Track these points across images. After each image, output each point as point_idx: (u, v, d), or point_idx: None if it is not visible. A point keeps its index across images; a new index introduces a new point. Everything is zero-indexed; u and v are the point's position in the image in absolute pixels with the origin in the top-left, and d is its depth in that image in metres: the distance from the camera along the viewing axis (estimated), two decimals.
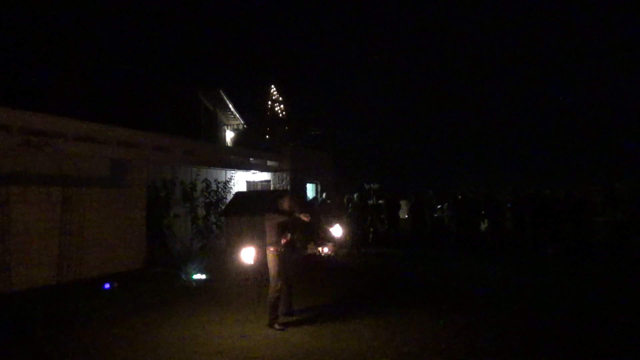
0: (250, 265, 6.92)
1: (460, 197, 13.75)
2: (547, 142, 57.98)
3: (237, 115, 21.99)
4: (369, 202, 15.95)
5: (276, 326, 5.84)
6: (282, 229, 6.04)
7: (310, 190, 21.21)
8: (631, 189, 12.51)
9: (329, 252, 12.57)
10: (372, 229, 15.52)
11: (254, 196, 13.68)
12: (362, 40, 79.53)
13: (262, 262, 6.46)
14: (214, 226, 12.88)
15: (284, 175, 18.22)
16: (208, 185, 13.18)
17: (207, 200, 12.97)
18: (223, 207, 12.88)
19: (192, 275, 8.99)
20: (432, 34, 79.08)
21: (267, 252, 6.08)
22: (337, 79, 76.19)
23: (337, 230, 8.47)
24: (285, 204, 6.21)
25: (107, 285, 8.44)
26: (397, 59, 78.86)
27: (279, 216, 6.03)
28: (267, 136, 23.71)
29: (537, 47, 74.03)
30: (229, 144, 21.57)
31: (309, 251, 12.13)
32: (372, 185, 18.86)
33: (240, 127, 22.95)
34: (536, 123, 68.09)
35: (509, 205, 13.64)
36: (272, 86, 27.16)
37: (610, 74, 63.92)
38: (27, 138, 8.77)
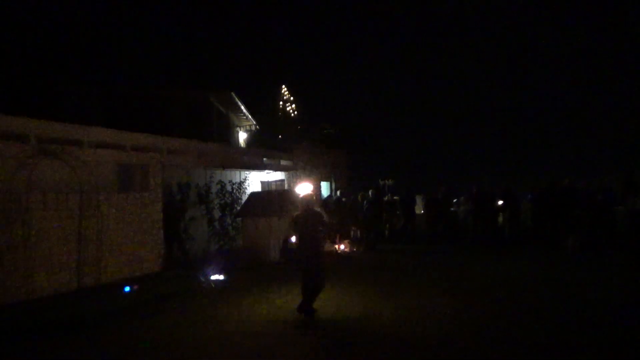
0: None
1: (475, 191, 13.59)
2: (565, 132, 57.15)
3: (249, 117, 22.07)
4: (384, 198, 15.88)
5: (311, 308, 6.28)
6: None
7: (325, 188, 21.20)
8: None
9: (345, 249, 12.57)
10: (387, 225, 15.46)
11: (268, 196, 13.73)
12: (374, 36, 79.22)
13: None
14: (230, 227, 12.95)
15: (298, 173, 18.24)
16: (222, 186, 13.25)
17: (222, 202, 13.04)
18: (238, 208, 12.95)
19: (210, 276, 9.05)
20: (445, 27, 78.47)
21: (324, 249, 6.85)
22: (349, 76, 75.97)
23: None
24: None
25: (127, 289, 8.52)
26: (411, 54, 78.42)
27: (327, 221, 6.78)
28: (279, 136, 23.77)
29: (554, 35, 73.01)
30: (242, 145, 21.65)
31: (325, 248, 12.12)
32: (387, 181, 18.77)
33: (253, 128, 23.02)
34: (553, 113, 67.15)
35: (529, 196, 13.43)
36: (283, 86, 27.27)
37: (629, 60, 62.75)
38: (44, 146, 8.90)
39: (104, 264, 9.75)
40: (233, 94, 19.09)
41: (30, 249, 8.53)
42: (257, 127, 23.08)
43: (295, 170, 18.29)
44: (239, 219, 12.58)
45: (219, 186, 13.22)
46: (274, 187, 17.76)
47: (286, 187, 17.91)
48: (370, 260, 11.13)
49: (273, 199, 12.46)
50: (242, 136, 22.80)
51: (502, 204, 13.12)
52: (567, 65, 68.66)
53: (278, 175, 17.94)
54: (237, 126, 22.42)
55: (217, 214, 12.94)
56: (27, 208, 8.57)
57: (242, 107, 20.87)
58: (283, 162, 17.87)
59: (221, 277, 9.12)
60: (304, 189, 7.57)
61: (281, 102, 26.77)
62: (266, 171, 17.04)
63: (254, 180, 16.36)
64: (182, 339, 5.67)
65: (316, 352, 5.02)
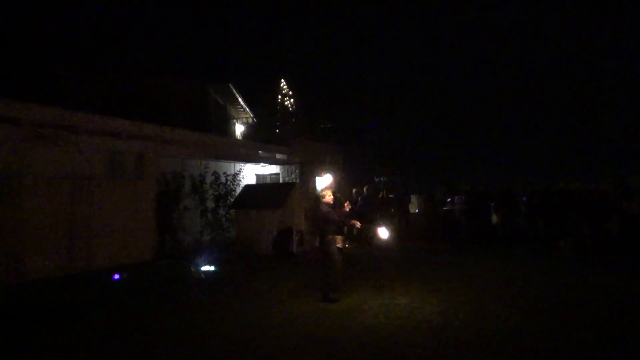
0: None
1: (470, 190, 13.63)
2: (561, 135, 57.38)
3: (247, 109, 21.99)
4: (378, 195, 15.88)
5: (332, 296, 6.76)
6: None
7: (320, 183, 21.17)
8: None
9: (339, 245, 12.52)
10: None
11: (262, 189, 13.71)
12: (373, 33, 79.12)
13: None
14: (223, 219, 12.92)
15: (293, 168, 18.20)
16: (217, 178, 13.21)
17: (216, 193, 13.01)
18: (232, 200, 12.93)
19: (201, 267, 9.04)
20: (443, 27, 78.45)
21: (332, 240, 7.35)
22: (347, 72, 75.84)
23: (383, 233, 8.32)
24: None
25: (116, 276, 8.49)
26: (410, 52, 78.40)
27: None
28: (277, 130, 23.69)
29: (555, 39, 73.10)
30: (238, 138, 21.59)
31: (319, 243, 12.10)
32: (381, 178, 18.77)
33: (250, 120, 22.95)
34: (550, 116, 67.32)
35: (524, 199, 13.47)
36: (282, 80, 27.17)
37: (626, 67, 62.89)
38: (38, 131, 8.83)
39: (95, 251, 9.72)
40: (231, 86, 19.02)
41: (21, 233, 8.49)
42: (255, 120, 23.01)
43: (290, 165, 18.24)
44: (232, 211, 12.57)
45: (213, 177, 13.19)
46: (269, 180, 17.74)
47: (281, 180, 17.90)
48: (363, 255, 11.12)
49: (267, 192, 12.45)
50: (239, 128, 22.73)
51: (496, 204, 13.14)
52: (568, 68, 68.80)
53: (273, 169, 17.91)
54: (235, 118, 22.33)
55: (210, 204, 12.91)
56: (19, 192, 8.52)
57: (240, 100, 20.78)
58: (279, 156, 17.82)
59: (212, 268, 9.11)
60: (323, 182, 8.10)
61: (279, 96, 26.69)
62: (261, 164, 17.01)
63: (249, 173, 16.33)
64: (164, 327, 5.67)
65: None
